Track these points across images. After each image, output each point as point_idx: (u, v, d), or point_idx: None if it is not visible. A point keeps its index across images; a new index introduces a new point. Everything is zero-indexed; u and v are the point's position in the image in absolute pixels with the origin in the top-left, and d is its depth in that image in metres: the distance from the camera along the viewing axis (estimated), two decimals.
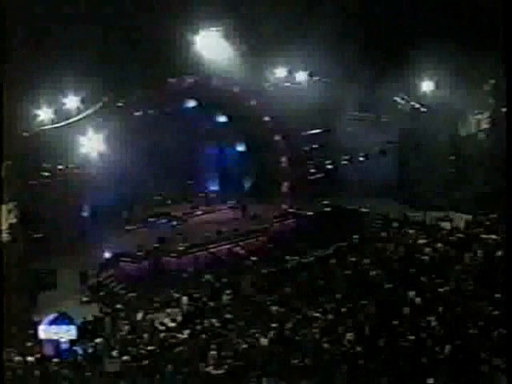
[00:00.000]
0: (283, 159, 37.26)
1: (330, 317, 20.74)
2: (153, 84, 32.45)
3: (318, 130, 38.24)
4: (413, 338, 18.20)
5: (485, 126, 35.41)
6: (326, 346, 18.76)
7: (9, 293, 24.50)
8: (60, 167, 29.85)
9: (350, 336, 18.93)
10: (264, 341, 19.82)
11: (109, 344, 22.03)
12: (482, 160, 33.47)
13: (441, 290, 20.90)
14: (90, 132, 29.57)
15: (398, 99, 36.17)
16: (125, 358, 20.01)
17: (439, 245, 25.37)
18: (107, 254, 31.13)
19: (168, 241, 32.33)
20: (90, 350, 21.77)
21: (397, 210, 33.63)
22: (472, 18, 31.72)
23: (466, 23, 31.92)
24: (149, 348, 20.73)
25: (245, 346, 19.73)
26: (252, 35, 32.99)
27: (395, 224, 31.09)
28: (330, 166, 38.39)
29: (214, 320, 22.55)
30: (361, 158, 36.58)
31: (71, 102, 29.25)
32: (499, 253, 22.36)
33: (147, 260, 31.31)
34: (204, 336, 21.03)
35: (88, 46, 29.12)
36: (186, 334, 21.75)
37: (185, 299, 25.75)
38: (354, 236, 29.67)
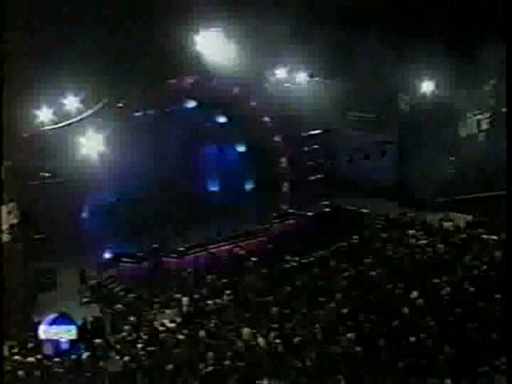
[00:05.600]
0: (283, 159, 37.24)
1: (330, 317, 20.77)
2: (153, 84, 32.43)
3: (317, 131, 38.23)
4: (413, 338, 18.21)
5: (485, 126, 35.40)
6: (326, 346, 18.78)
7: (9, 293, 24.55)
8: (60, 167, 29.82)
9: (350, 336, 18.94)
10: (264, 341, 19.85)
11: (109, 344, 22.04)
12: (482, 160, 33.46)
13: (441, 290, 20.90)
14: (90, 132, 29.56)
15: (397, 99, 36.13)
16: (126, 358, 20.04)
17: (440, 245, 25.38)
18: (107, 254, 31.16)
19: (168, 241, 32.35)
20: (91, 351, 21.77)
21: (397, 211, 33.59)
22: (472, 18, 31.71)
23: (466, 23, 31.91)
24: (149, 348, 20.75)
25: (245, 346, 19.76)
26: (252, 35, 32.94)
27: (395, 224, 31.09)
28: (330, 166, 38.38)
29: (213, 320, 22.57)
30: (361, 158, 36.52)
31: (71, 102, 29.24)
32: (500, 253, 22.38)
33: (147, 260, 31.34)
34: (204, 336, 21.05)
35: (88, 47, 29.10)
36: (185, 334, 21.74)
37: (185, 300, 25.76)
38: (354, 236, 29.66)
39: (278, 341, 19.56)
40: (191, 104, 35.16)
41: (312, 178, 37.88)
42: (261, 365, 18.43)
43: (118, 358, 20.33)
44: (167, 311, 25.51)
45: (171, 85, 33.28)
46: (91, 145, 29.60)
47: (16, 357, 21.16)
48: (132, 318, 24.40)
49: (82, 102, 29.40)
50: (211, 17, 31.90)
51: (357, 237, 29.55)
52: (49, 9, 28.45)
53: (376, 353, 17.89)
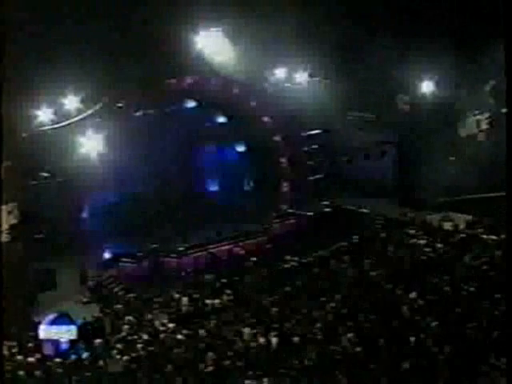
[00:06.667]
0: (283, 159, 37.22)
1: (331, 317, 20.78)
2: (153, 84, 32.43)
3: (317, 131, 38.23)
4: (413, 338, 18.21)
5: (485, 126, 35.40)
6: (326, 346, 18.79)
7: (9, 293, 24.52)
8: (60, 167, 29.81)
9: (350, 336, 18.95)
10: (264, 341, 19.86)
11: (109, 344, 22.03)
12: (482, 160, 33.45)
13: (441, 290, 20.92)
14: (90, 132, 29.55)
15: (397, 99, 36.12)
16: (125, 358, 20.05)
17: (439, 245, 25.41)
18: (107, 254, 31.16)
19: (168, 241, 32.36)
20: (91, 351, 21.76)
21: (397, 211, 33.60)
22: (472, 18, 31.71)
23: (466, 23, 31.91)
24: (149, 348, 20.76)
25: (244, 346, 19.78)
26: (252, 35, 32.96)
27: (395, 224, 31.10)
28: (330, 166, 38.39)
29: (213, 320, 22.59)
30: (361, 158, 36.53)
31: (71, 102, 29.21)
32: (499, 253, 22.41)
33: (147, 260, 31.34)
34: (203, 336, 21.07)
35: (88, 46, 29.09)
36: (185, 334, 21.75)
37: (185, 300, 25.77)
38: (354, 236, 29.66)
39: (276, 340, 19.59)
40: (191, 104, 35.15)
41: (312, 178, 37.88)
42: (261, 365, 18.44)
43: (118, 357, 20.33)
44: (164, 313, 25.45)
45: (171, 85, 33.26)
46: (91, 145, 29.57)
47: (16, 357, 21.16)
48: (132, 318, 24.41)
49: (82, 102, 29.37)
50: (211, 17, 31.91)
51: (357, 237, 29.57)
52: (49, 8, 28.44)
53: (376, 353, 17.89)
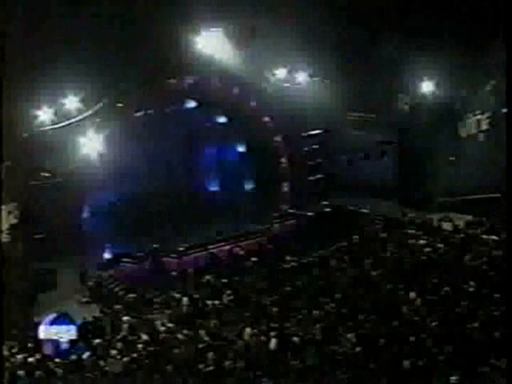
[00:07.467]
0: (283, 159, 37.26)
1: (330, 317, 20.78)
2: (153, 84, 32.43)
3: (317, 131, 38.24)
4: (413, 338, 18.21)
5: (485, 126, 35.40)
6: (326, 346, 18.79)
7: (9, 293, 24.57)
8: (60, 167, 29.81)
9: (350, 336, 18.94)
10: (264, 340, 19.86)
11: (109, 344, 22.03)
12: (482, 160, 33.47)
13: (441, 290, 20.92)
14: (90, 132, 29.55)
15: (397, 99, 36.13)
16: (125, 358, 20.06)
17: (439, 245, 25.41)
18: (107, 254, 31.17)
19: (168, 241, 32.37)
20: (91, 351, 21.76)
21: (397, 211, 33.61)
22: (473, 18, 31.72)
23: (466, 23, 31.92)
24: (149, 349, 20.76)
25: (244, 346, 19.79)
26: (252, 35, 32.98)
27: (395, 224, 31.10)
28: (330, 166, 38.39)
29: (213, 320, 22.59)
30: (361, 158, 36.54)
31: (71, 102, 29.22)
32: (499, 253, 22.42)
33: (147, 260, 31.35)
34: (204, 336, 21.07)
35: (88, 47, 29.10)
36: (185, 334, 21.76)
37: (185, 300, 25.77)
38: (354, 236, 29.67)
39: (276, 340, 19.59)
40: (191, 104, 35.15)
41: (312, 178, 37.90)
42: (261, 365, 18.44)
43: (118, 357, 20.33)
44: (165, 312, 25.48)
45: (171, 85, 33.27)
46: (91, 145, 29.58)
47: (16, 357, 21.17)
48: (131, 318, 24.41)
49: (81, 101, 29.38)
50: (211, 17, 31.92)
51: (357, 237, 29.57)
52: (49, 8, 28.44)
53: (376, 353, 17.89)
